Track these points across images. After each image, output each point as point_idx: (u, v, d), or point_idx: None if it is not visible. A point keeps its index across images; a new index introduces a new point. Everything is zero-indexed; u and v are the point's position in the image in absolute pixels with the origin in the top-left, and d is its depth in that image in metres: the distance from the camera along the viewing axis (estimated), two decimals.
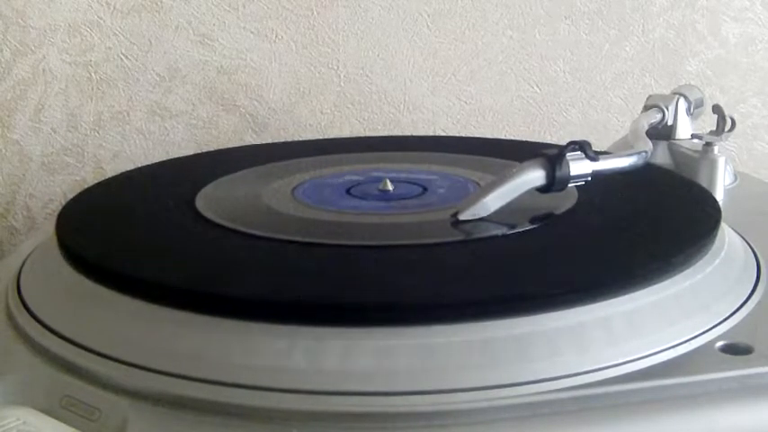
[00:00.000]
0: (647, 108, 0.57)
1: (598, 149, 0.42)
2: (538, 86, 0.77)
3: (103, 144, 0.72)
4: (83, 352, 0.31)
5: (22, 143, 0.71)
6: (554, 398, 0.28)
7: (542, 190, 0.40)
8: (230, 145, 0.73)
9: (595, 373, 0.29)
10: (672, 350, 0.31)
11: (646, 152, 0.43)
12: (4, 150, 0.71)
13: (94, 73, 0.71)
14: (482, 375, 0.29)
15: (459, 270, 0.34)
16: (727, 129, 0.53)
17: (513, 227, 0.38)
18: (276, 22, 0.72)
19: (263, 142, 0.69)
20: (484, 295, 0.32)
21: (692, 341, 0.31)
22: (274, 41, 0.73)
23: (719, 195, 0.50)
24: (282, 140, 0.70)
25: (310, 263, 0.35)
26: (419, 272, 0.34)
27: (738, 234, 0.42)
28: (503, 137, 0.76)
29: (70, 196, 0.46)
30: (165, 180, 0.50)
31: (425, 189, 0.46)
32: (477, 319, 0.30)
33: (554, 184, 0.39)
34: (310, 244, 0.37)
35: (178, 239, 0.39)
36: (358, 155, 0.54)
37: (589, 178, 0.40)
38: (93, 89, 0.71)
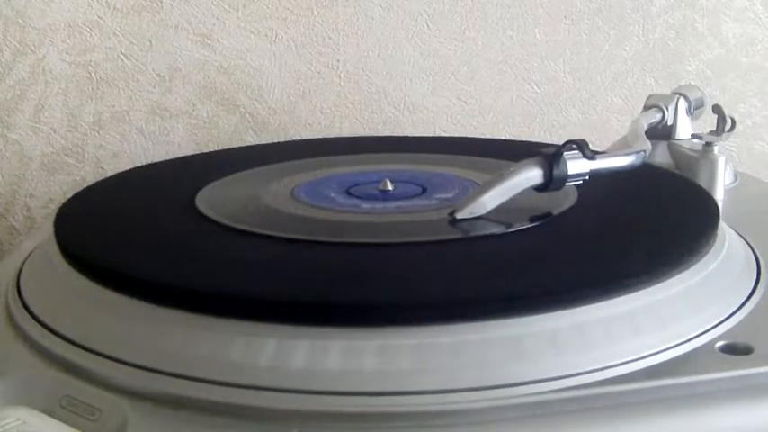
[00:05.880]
0: (647, 108, 0.57)
1: (598, 149, 0.42)
2: (538, 86, 0.77)
3: (103, 144, 0.72)
4: (83, 352, 0.31)
5: (22, 143, 0.71)
6: (554, 398, 0.28)
7: (540, 189, 0.40)
8: (230, 145, 0.73)
9: (596, 373, 0.29)
10: (672, 350, 0.31)
11: (644, 152, 0.43)
12: (4, 150, 0.71)
13: (94, 73, 0.71)
14: (482, 375, 0.29)
15: (457, 270, 0.34)
16: (727, 129, 0.53)
17: (510, 226, 0.38)
18: (276, 22, 0.72)
19: (263, 142, 0.69)
20: (483, 295, 0.32)
21: (692, 341, 0.31)
22: (274, 41, 0.73)
23: (719, 195, 0.50)
24: (282, 140, 0.70)
25: (310, 263, 0.35)
26: (418, 271, 0.34)
27: (738, 234, 0.42)
28: (503, 137, 0.76)
29: (70, 196, 0.46)
30: (166, 180, 0.50)
31: (425, 189, 0.46)
32: (477, 318, 0.30)
33: (551, 183, 0.39)
34: (310, 244, 0.37)
35: (178, 239, 0.39)
36: (358, 155, 0.54)
37: (587, 177, 0.40)
38: (93, 89, 0.71)
